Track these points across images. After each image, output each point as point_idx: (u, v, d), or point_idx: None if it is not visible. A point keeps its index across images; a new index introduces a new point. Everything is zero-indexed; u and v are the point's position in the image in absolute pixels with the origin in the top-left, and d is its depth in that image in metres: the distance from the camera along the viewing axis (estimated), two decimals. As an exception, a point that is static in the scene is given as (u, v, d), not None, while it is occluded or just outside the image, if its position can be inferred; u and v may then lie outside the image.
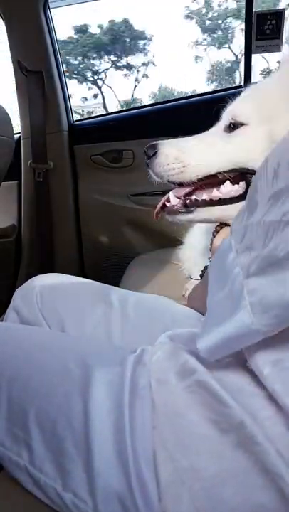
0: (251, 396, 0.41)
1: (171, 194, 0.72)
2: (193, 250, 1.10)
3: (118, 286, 1.31)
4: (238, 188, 0.67)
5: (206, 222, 0.75)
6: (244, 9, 1.45)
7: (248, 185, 0.66)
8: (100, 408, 0.47)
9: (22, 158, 1.72)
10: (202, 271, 0.82)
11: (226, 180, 0.68)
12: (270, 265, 0.36)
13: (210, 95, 1.69)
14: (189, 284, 1.09)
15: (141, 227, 1.72)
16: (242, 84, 1.52)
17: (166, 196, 0.73)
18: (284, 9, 1.46)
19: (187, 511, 0.40)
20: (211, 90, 1.61)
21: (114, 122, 1.75)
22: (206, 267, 0.81)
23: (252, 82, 1.48)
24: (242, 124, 0.66)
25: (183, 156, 0.68)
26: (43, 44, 1.56)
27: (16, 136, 1.67)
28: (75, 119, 1.76)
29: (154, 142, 0.72)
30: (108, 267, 1.81)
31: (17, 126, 1.72)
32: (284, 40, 1.44)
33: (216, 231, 0.72)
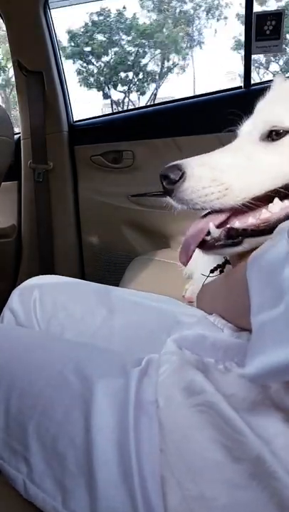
0: (265, 417, 0.38)
1: (211, 225, 0.58)
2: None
3: (118, 286, 1.31)
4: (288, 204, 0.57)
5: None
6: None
7: None
8: (102, 424, 0.44)
9: (22, 159, 1.72)
10: (213, 269, 0.73)
11: (272, 198, 0.57)
12: None
13: (210, 96, 1.69)
14: (189, 284, 1.09)
15: (141, 227, 1.72)
16: (241, 85, 1.52)
17: (201, 228, 0.59)
18: (284, 9, 1.46)
19: None
20: (211, 91, 1.61)
21: (114, 123, 1.75)
22: (219, 265, 0.73)
23: (251, 83, 1.48)
24: (286, 131, 0.57)
25: (222, 177, 0.57)
26: (43, 44, 1.56)
27: (16, 136, 1.67)
28: (76, 119, 1.77)
29: (174, 163, 0.59)
30: (108, 267, 1.81)
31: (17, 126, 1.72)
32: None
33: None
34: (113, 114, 1.86)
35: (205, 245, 0.59)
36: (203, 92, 1.62)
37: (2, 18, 1.54)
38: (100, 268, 1.84)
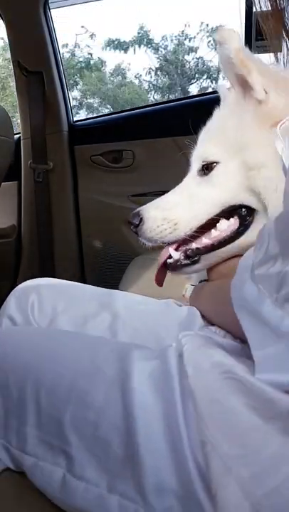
0: None
1: (170, 249, 0.70)
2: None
3: (118, 286, 1.31)
4: (233, 222, 0.67)
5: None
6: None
7: (240, 218, 0.66)
8: (144, 400, 0.45)
9: (22, 159, 1.72)
10: (203, 280, 0.80)
11: (217, 221, 0.67)
12: None
13: (210, 95, 1.69)
14: (189, 283, 1.09)
15: (141, 227, 1.72)
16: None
17: (163, 253, 0.71)
18: (283, 9, 1.45)
19: (237, 502, 0.36)
20: (211, 90, 1.61)
21: (114, 122, 1.75)
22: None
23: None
24: (215, 163, 0.66)
25: (171, 214, 0.68)
26: (43, 44, 1.56)
27: (16, 136, 1.67)
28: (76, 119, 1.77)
29: (136, 210, 0.71)
30: (108, 267, 1.81)
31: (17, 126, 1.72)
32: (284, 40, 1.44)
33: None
34: (113, 113, 1.86)
35: (169, 267, 0.71)
36: (204, 92, 1.62)
37: (2, 19, 1.54)
38: (100, 268, 1.84)
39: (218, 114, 0.71)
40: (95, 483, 0.44)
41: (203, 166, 0.68)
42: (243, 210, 0.66)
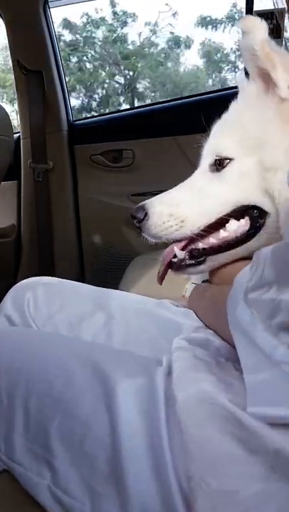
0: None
1: (175, 248, 0.66)
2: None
3: (118, 286, 1.31)
4: (244, 223, 0.63)
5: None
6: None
7: (251, 219, 0.63)
8: (129, 421, 0.43)
9: (22, 158, 1.72)
10: (205, 280, 0.78)
11: (226, 221, 0.64)
12: None
13: (211, 94, 1.69)
14: (189, 283, 1.08)
15: (141, 227, 1.71)
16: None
17: (168, 252, 0.68)
18: (284, 9, 1.45)
19: None
20: (211, 90, 1.61)
21: (114, 122, 1.75)
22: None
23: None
24: (228, 159, 0.62)
25: (178, 211, 0.64)
26: (42, 44, 1.55)
27: (16, 135, 1.67)
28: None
29: (141, 204, 0.67)
30: (108, 267, 1.81)
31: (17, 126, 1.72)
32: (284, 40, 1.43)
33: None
34: (113, 113, 1.86)
35: (173, 266, 0.67)
36: (204, 91, 1.62)
37: (2, 18, 1.53)
38: (100, 268, 1.83)
39: (235, 106, 0.67)
40: (80, 500, 0.43)
41: (216, 161, 0.64)
42: (255, 211, 0.62)
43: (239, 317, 0.41)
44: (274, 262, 0.39)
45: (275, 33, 1.44)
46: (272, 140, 0.58)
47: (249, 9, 1.44)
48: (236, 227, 0.63)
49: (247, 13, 1.44)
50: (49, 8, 1.57)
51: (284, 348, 0.36)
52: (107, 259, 1.81)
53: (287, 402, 0.35)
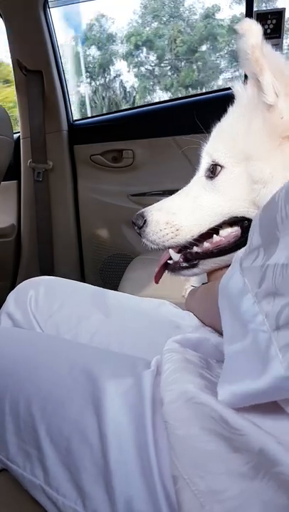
0: (273, 420, 0.38)
1: (170, 251, 0.70)
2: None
3: (118, 286, 1.31)
4: (237, 228, 0.65)
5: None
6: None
7: (242, 229, 0.64)
8: (116, 423, 0.44)
9: (21, 158, 1.72)
10: (205, 283, 0.79)
11: (218, 230, 0.66)
12: None
13: (211, 94, 1.69)
14: (189, 284, 1.08)
15: (141, 227, 1.71)
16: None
17: (165, 253, 0.71)
18: (284, 8, 1.45)
19: None
20: (211, 90, 1.61)
21: (114, 122, 1.75)
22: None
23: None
24: (220, 167, 0.63)
25: (174, 219, 0.66)
26: (42, 44, 1.55)
27: (16, 135, 1.67)
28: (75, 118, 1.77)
29: (141, 211, 0.70)
30: (108, 267, 1.81)
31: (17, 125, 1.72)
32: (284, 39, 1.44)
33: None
34: (113, 113, 1.86)
35: (169, 268, 0.71)
36: (204, 91, 1.62)
37: (2, 18, 1.53)
38: (100, 268, 1.83)
39: (232, 111, 0.67)
40: (72, 499, 0.44)
41: (211, 166, 0.65)
42: (246, 222, 0.63)
43: (232, 286, 0.40)
44: (260, 226, 0.39)
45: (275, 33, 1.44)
46: (260, 152, 0.58)
47: (249, 9, 1.44)
48: (228, 234, 0.65)
49: (247, 13, 1.44)
50: (49, 7, 1.57)
51: (262, 317, 0.35)
52: (107, 259, 1.81)
53: (251, 374, 0.35)
